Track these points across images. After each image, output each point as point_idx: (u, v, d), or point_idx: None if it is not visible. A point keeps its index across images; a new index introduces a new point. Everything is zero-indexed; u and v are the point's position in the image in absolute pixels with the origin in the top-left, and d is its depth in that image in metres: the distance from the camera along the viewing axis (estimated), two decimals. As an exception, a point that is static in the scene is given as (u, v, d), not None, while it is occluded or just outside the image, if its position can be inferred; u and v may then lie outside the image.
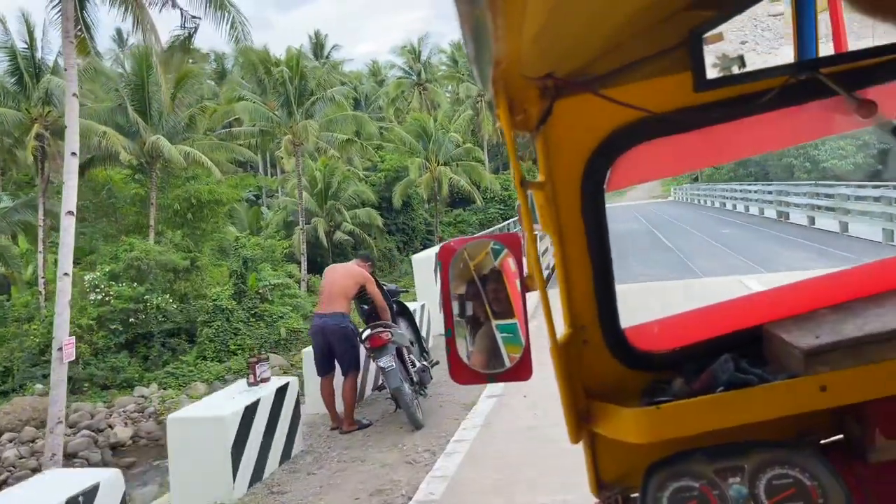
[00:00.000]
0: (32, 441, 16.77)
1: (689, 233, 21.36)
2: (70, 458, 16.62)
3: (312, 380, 6.69)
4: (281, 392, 5.53)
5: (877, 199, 15.03)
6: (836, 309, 1.35)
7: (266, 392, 5.37)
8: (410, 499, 4.86)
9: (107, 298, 21.56)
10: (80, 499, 3.72)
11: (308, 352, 6.70)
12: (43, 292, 22.86)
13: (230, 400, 5.22)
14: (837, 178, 28.49)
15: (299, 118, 28.33)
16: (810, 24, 1.07)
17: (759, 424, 1.19)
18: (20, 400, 18.77)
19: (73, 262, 27.14)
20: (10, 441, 16.80)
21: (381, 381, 6.69)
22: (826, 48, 1.09)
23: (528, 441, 5.56)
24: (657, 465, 1.26)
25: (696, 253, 15.61)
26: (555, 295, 1.25)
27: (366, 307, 6.55)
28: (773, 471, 1.20)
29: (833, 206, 17.30)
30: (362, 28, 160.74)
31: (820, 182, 22.63)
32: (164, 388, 20.68)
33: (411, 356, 6.58)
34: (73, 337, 10.79)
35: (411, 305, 8.91)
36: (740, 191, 28.55)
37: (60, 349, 10.25)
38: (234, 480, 5.04)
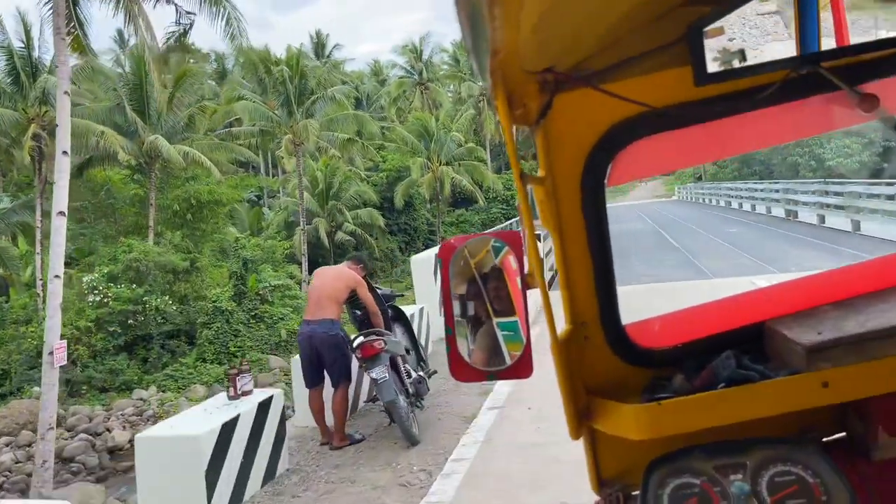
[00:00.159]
0: (29, 445, 16.49)
1: (695, 232, 21.04)
2: (67, 463, 16.37)
3: (303, 389, 6.20)
4: (264, 406, 5.07)
5: (890, 198, 14.69)
6: (838, 305, 1.35)
7: (247, 407, 4.89)
8: (402, 529, 4.45)
9: (105, 300, 21.31)
10: None
11: (298, 360, 6.18)
12: (41, 294, 22.61)
13: (206, 416, 4.72)
14: (843, 177, 28.15)
15: (300, 117, 28.06)
16: (812, 18, 1.06)
17: (761, 421, 1.18)
18: (17, 403, 18.51)
19: (73, 263, 27.03)
20: (7, 445, 16.54)
21: (374, 393, 6.19)
22: (828, 43, 1.09)
23: (533, 460, 5.12)
24: (658, 462, 1.25)
25: (703, 253, 15.28)
26: (556, 293, 1.23)
27: (358, 313, 6.14)
28: (776, 468, 1.19)
29: (844, 204, 16.95)
30: (363, 29, 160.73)
31: (830, 180, 22.29)
32: (164, 391, 20.42)
33: (407, 366, 6.14)
34: (65, 340, 10.50)
35: (409, 309, 8.46)
36: (746, 189, 28.21)
37: (51, 353, 9.95)
38: (210, 506, 4.55)
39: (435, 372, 6.75)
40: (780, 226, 19.91)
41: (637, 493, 1.30)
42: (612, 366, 1.35)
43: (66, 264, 27.45)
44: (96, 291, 21.31)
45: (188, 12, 12.76)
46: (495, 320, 1.29)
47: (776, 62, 1.10)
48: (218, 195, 26.44)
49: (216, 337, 22.32)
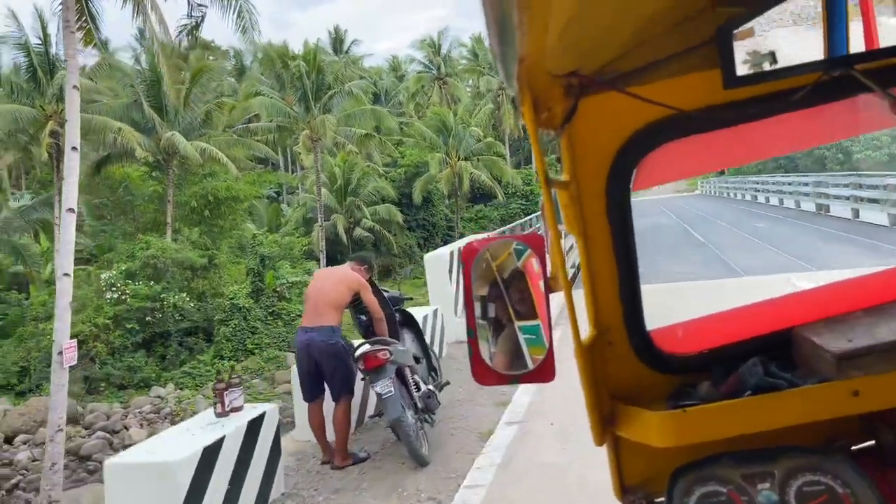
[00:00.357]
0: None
1: (722, 227, 20.40)
2: (84, 461, 16.31)
3: (302, 401, 5.54)
4: (254, 425, 4.48)
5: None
6: (869, 311, 1.33)
7: (234, 427, 4.28)
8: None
9: (123, 297, 21.27)
10: None
11: (296, 370, 5.53)
12: (60, 291, 22.64)
13: (188, 438, 4.11)
14: (871, 170, 27.26)
15: (317, 113, 27.82)
16: (841, 21, 1.04)
17: (788, 430, 1.17)
18: (36, 401, 18.50)
19: (92, 260, 27.07)
20: (24, 443, 16.52)
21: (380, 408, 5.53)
22: (857, 46, 1.07)
23: (558, 485, 4.52)
24: (683, 470, 1.25)
25: (732, 249, 14.67)
26: (579, 296, 1.21)
27: (363, 318, 5.54)
28: (804, 477, 1.18)
29: (882, 197, 16.26)
30: (382, 25, 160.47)
31: (866, 172, 21.49)
32: (181, 389, 20.34)
33: (416, 377, 5.50)
34: (75, 340, 10.29)
35: (423, 310, 8.01)
36: (773, 183, 27.41)
37: (61, 353, 9.73)
38: (189, 541, 3.97)
39: (447, 383, 6.17)
40: (811, 220, 19.22)
41: (661, 500, 1.30)
42: (636, 372, 1.34)
43: (86, 261, 27.68)
44: (114, 288, 21.28)
45: (199, 4, 12.52)
46: (517, 324, 1.28)
47: (807, 65, 1.07)
48: (235, 192, 26.31)
49: (234, 334, 22.20)
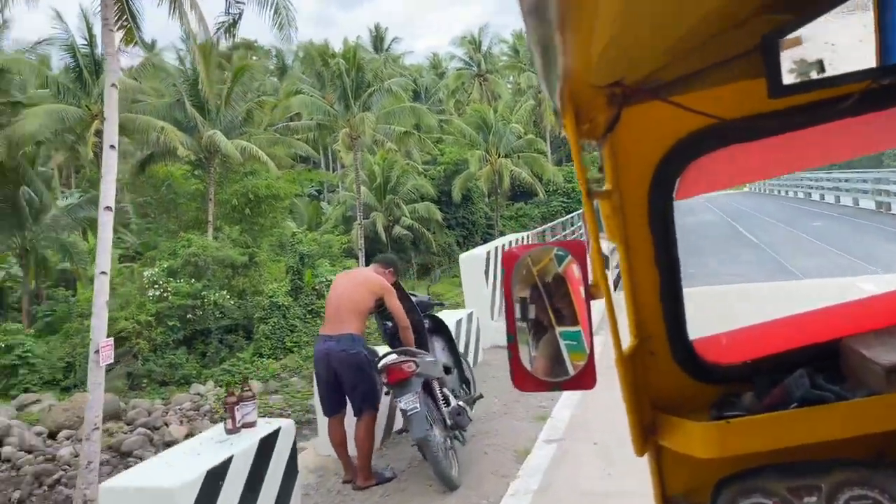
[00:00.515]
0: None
1: (774, 226, 19.50)
2: (125, 457, 16.47)
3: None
4: (267, 443, 4.03)
5: None
6: None
7: (244, 446, 3.84)
8: None
9: (165, 294, 21.51)
10: None
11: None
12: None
13: (193, 458, 3.70)
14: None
15: (356, 111, 27.74)
16: (894, 27, 1.01)
17: (835, 443, 1.16)
18: (80, 396, 18.77)
19: (137, 258, 27.51)
20: (67, 438, 16.75)
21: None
22: None
23: None
24: (727, 481, 1.24)
25: (788, 249, 13.89)
26: (616, 295, 1.20)
27: (389, 325, 5.08)
28: (852, 491, 1.16)
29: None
30: (424, 23, 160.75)
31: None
32: (220, 386, 20.44)
33: (445, 390, 5.00)
34: (111, 339, 10.26)
35: (457, 314, 7.55)
36: (829, 180, 26.20)
37: (97, 351, 9.69)
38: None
39: (480, 396, 5.65)
40: (870, 219, 18.20)
41: None
42: (678, 381, 1.33)
43: (132, 258, 28.15)
44: (157, 286, 21.54)
45: (237, 1, 12.42)
46: (558, 329, 1.28)
47: (857, 73, 1.03)
48: (276, 190, 26.41)
49: (273, 332, 22.27)
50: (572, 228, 16.66)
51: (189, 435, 18.02)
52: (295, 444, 4.33)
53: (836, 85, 1.06)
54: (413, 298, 5.22)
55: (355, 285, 4.91)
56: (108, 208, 10.12)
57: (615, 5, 0.84)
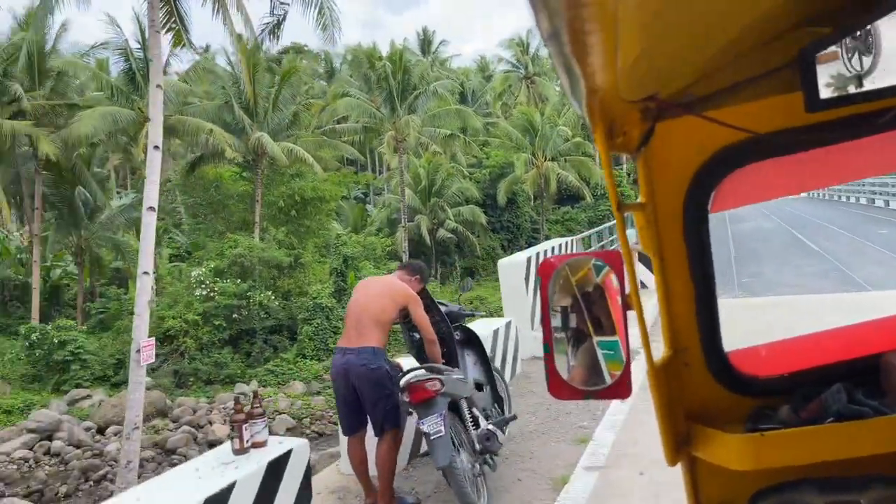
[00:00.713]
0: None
1: (836, 234, 18.51)
2: (169, 454, 16.68)
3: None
4: (276, 466, 3.62)
5: None
6: None
7: (249, 470, 3.44)
8: None
9: (212, 294, 21.78)
10: None
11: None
12: (154, 286, 23.50)
13: (191, 482, 3.35)
14: None
15: (402, 113, 27.68)
16: None
17: (872, 459, 1.14)
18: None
19: (186, 258, 27.98)
20: (115, 434, 17.04)
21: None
22: None
23: None
24: (763, 494, 1.24)
25: (853, 259, 13.08)
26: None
27: (416, 336, 4.63)
28: None
29: None
30: (473, 26, 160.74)
31: None
32: (264, 386, 20.58)
33: (475, 410, 4.55)
34: (153, 338, 10.31)
35: (493, 323, 7.10)
36: (895, 185, 24.87)
37: (139, 351, 9.73)
38: None
39: (514, 417, 5.15)
40: (942, 227, 17.12)
41: None
42: (713, 393, 1.31)
43: (182, 258, 28.65)
44: (204, 285, 21.83)
45: (282, 2, 12.40)
46: (595, 339, 1.29)
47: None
48: (321, 192, 26.54)
49: (316, 333, 22.31)
50: (608, 249, 16.11)
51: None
52: (309, 466, 3.97)
53: (874, 99, 1.03)
54: (442, 308, 4.81)
55: (377, 294, 4.48)
56: (152, 209, 10.18)
57: (633, 27, 0.83)
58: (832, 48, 1.02)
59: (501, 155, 35.33)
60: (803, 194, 41.80)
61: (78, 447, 16.10)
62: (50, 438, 16.14)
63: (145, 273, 10.00)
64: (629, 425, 5.35)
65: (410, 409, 4.32)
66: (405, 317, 4.53)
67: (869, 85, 1.02)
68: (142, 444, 16.48)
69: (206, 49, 38.79)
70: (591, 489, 4.54)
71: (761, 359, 1.46)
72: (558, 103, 42.00)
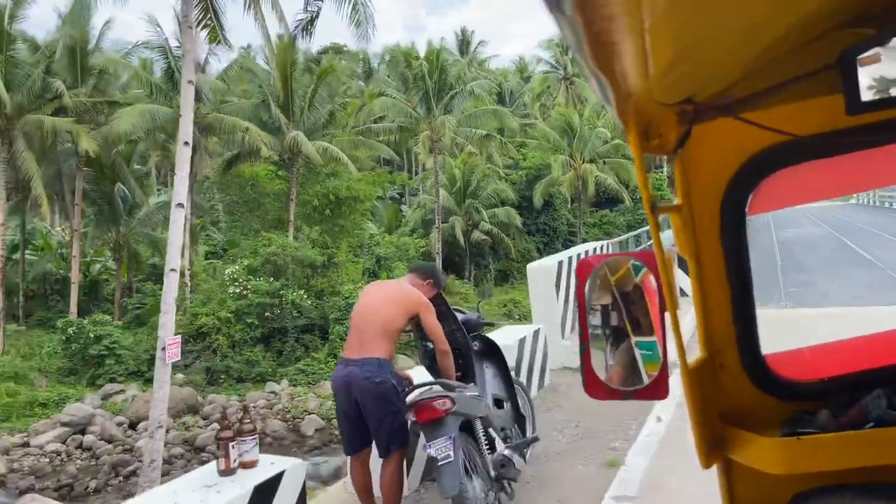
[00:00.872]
0: (167, 431, 16.99)
1: (890, 242, 17.59)
2: (198, 452, 16.71)
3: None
4: (265, 490, 3.22)
5: None
6: None
7: (232, 495, 3.06)
8: None
9: (245, 292, 21.83)
10: None
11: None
12: (189, 283, 23.69)
13: None
14: None
15: (437, 113, 27.44)
16: None
17: None
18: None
19: (220, 255, 28.15)
20: (146, 430, 17.12)
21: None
22: None
23: None
24: (800, 498, 1.24)
25: (911, 270, 12.33)
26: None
27: (430, 345, 4.13)
28: None
29: None
30: (513, 28, 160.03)
31: None
32: (294, 385, 20.54)
33: (491, 431, 4.07)
34: (179, 336, 10.20)
35: (520, 331, 6.57)
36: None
37: (164, 349, 9.61)
38: None
39: (535, 439, 4.66)
40: None
41: None
42: (749, 396, 1.31)
43: (219, 256, 28.85)
44: (237, 283, 21.89)
45: (315, -1, 12.25)
46: (633, 339, 1.29)
47: None
48: (356, 192, 26.46)
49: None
50: (643, 250, 15.57)
51: (261, 434, 18.15)
52: (304, 490, 3.58)
53: None
54: (459, 316, 4.37)
55: (385, 300, 4.04)
56: (180, 205, 10.08)
57: (664, 36, 0.82)
58: (875, 50, 1.01)
59: (538, 156, 34.84)
60: (851, 200, 40.32)
61: (109, 442, 16.24)
62: (83, 432, 16.31)
63: (172, 270, 9.89)
64: (665, 449, 4.86)
65: (418, 431, 3.90)
66: (417, 325, 4.11)
67: None
68: (171, 441, 16.54)
69: (248, 48, 39.17)
70: None
71: (799, 363, 1.45)
72: (597, 104, 41.29)
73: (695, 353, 1.26)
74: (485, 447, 3.93)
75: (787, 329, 7.08)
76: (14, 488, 13.94)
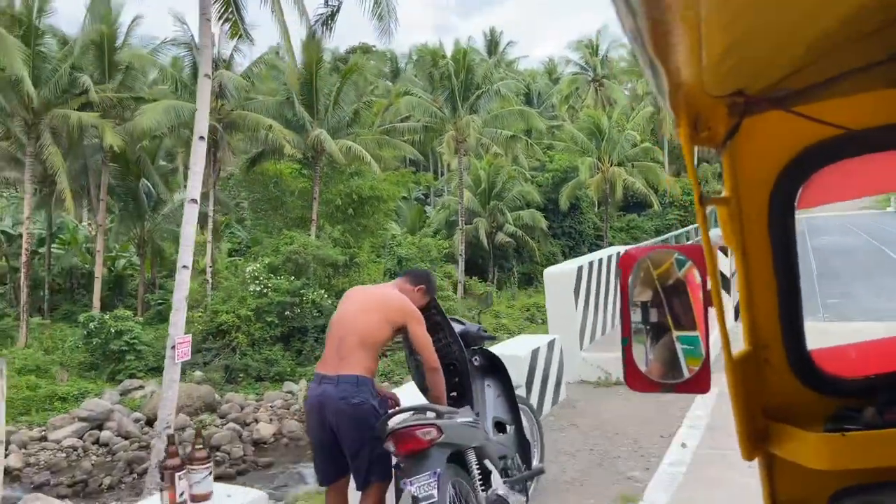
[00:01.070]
0: (182, 430, 16.90)
1: None
2: (213, 451, 16.55)
3: None
4: None
5: None
6: None
7: None
8: None
9: (265, 290, 21.71)
10: None
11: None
12: (210, 280, 23.67)
13: None
14: None
15: (463, 113, 27.08)
16: None
17: None
18: (182, 385, 19.20)
19: (243, 252, 28.12)
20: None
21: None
22: None
23: None
24: (843, 494, 1.24)
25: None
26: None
27: (420, 359, 3.52)
28: None
29: None
30: (542, 30, 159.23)
31: None
32: (312, 386, 20.35)
33: (486, 462, 3.50)
34: (189, 335, 9.99)
35: (533, 341, 6.02)
36: None
37: (174, 347, 9.40)
38: None
39: (541, 472, 4.07)
40: None
41: None
42: (793, 391, 1.31)
43: (241, 253, 28.81)
44: (258, 281, 21.78)
45: (337, -8, 11.99)
46: (675, 333, 1.29)
47: None
48: (379, 191, 26.22)
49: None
50: (688, 244, 15.01)
51: (278, 433, 18.00)
52: None
53: None
54: (458, 326, 3.81)
55: (368, 308, 3.46)
56: (194, 201, 9.88)
57: (717, 27, 0.82)
58: None
59: (565, 158, 34.29)
60: (889, 208, 39.09)
61: (126, 438, 16.17)
62: (100, 428, 16.27)
63: (184, 267, 9.69)
64: (689, 483, 4.29)
65: (398, 465, 3.32)
66: (407, 338, 3.54)
67: None
68: (187, 440, 16.43)
69: (277, 45, 39.22)
70: None
71: (845, 359, 1.43)
72: (627, 107, 40.57)
73: (735, 347, 1.24)
74: (478, 482, 3.37)
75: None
76: (29, 483, 13.90)
